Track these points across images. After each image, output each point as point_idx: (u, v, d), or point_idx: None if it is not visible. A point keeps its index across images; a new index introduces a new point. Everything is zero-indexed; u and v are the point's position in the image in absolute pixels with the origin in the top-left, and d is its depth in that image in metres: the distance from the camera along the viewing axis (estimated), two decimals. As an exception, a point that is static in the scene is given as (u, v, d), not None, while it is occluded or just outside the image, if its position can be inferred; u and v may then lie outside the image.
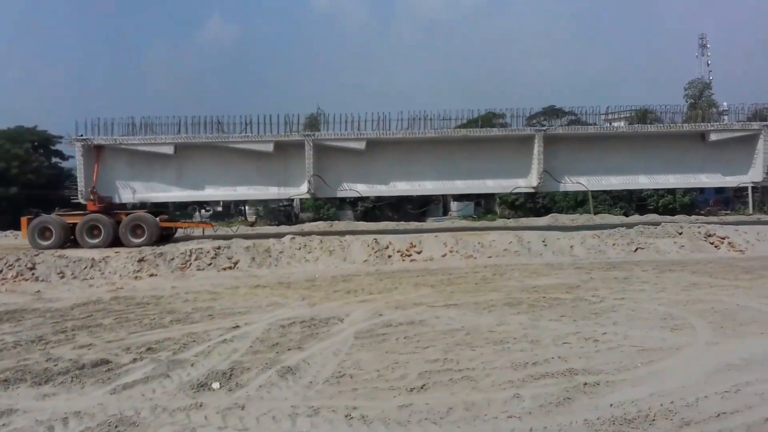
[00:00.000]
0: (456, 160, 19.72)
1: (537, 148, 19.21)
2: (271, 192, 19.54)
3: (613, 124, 22.39)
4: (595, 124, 20.82)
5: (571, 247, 16.72)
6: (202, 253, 15.37)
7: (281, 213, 44.83)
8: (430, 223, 29.32)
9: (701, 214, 35.29)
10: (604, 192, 33.05)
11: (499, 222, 27.59)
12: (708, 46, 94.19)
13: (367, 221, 33.04)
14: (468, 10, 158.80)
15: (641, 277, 12.88)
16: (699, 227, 17.50)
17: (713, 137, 19.51)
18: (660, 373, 6.64)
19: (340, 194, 20.12)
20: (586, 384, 6.28)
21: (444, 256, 16.26)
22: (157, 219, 18.54)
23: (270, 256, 15.68)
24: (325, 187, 19.37)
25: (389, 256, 16.08)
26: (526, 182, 19.73)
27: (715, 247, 16.92)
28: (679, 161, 19.97)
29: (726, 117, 23.34)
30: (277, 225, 36.41)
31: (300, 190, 19.25)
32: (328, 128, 19.59)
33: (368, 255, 15.98)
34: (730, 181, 20.25)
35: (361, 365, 7.07)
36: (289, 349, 7.77)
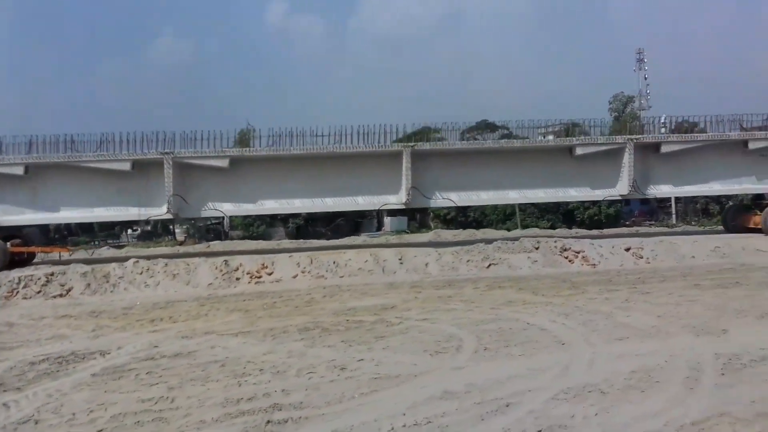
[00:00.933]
0: (326, 177, 19.46)
1: (405, 164, 19.11)
2: (131, 213, 18.90)
3: (546, 137, 22.51)
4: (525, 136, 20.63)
5: (426, 264, 16.60)
6: (32, 280, 14.67)
7: (211, 232, 43.93)
8: (363, 238, 28.81)
9: (626, 225, 35.93)
10: (532, 205, 33.27)
11: (396, 239, 27.43)
12: (645, 60, 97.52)
13: (298, 238, 32.57)
14: (422, 28, 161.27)
15: (465, 296, 12.78)
16: (555, 242, 17.61)
17: (579, 151, 19.76)
18: (367, 405, 6.40)
19: (204, 214, 19.65)
20: (269, 422, 5.99)
21: (295, 277, 15.93)
22: (7, 244, 17.72)
23: (108, 281, 15.07)
24: (187, 207, 18.85)
25: (237, 279, 15.66)
26: (397, 198, 19.60)
27: (569, 261, 17.04)
28: (548, 175, 20.16)
29: (663, 129, 23.94)
30: (208, 244, 35.49)
31: (160, 211, 18.67)
32: (199, 146, 19.07)
33: (214, 278, 15.53)
34: (599, 194, 20.55)
35: (63, 407, 6.64)
36: (5, 391, 7.29)
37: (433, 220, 47.39)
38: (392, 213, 43.10)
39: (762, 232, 19.93)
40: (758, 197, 21.78)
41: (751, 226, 20.59)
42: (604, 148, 19.88)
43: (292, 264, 16.36)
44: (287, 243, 27.84)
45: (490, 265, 16.55)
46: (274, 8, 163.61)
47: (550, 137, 22.00)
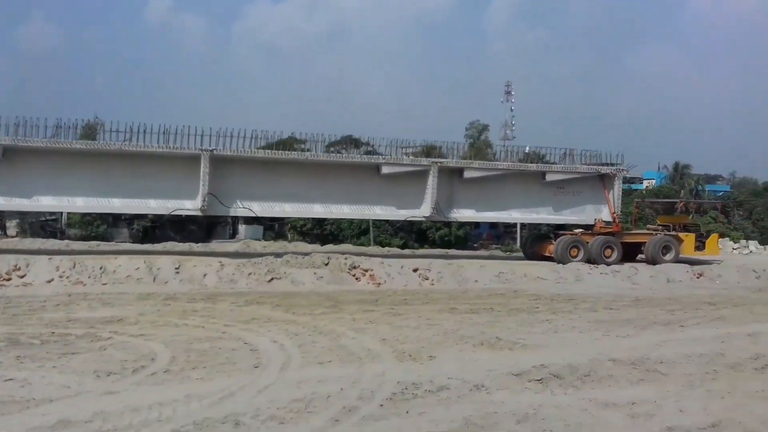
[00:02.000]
0: (114, 176, 18.10)
1: (203, 169, 18.17)
2: None
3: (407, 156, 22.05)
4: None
5: (204, 275, 15.75)
6: None
7: (46, 229, 40.21)
8: (214, 245, 26.98)
9: (474, 248, 36.70)
10: (386, 222, 33.29)
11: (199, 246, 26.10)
12: (512, 92, 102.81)
13: (144, 242, 30.30)
14: (306, 41, 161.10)
15: (215, 310, 12.10)
16: (346, 258, 17.38)
17: (385, 170, 19.76)
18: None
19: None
20: None
21: (50, 281, 14.51)
22: None
23: None
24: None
25: (-21, 282, 14.00)
26: (193, 204, 18.60)
27: (356, 279, 16.84)
28: (355, 192, 20.00)
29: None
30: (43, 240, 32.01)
31: None
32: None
33: (-50, 278, 13.79)
34: (403, 214, 20.68)
35: None
36: None
37: (289, 231, 46.72)
38: (248, 221, 41.78)
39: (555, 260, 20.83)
40: (559, 227, 22.82)
41: (547, 254, 21.48)
42: (409, 169, 20.02)
43: (50, 267, 14.91)
44: (128, 245, 25.84)
45: (272, 279, 15.98)
46: (157, 2, 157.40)
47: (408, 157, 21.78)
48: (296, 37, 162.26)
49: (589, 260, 20.48)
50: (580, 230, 21.65)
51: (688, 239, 21.87)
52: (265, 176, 19.33)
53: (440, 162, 20.23)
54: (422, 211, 20.33)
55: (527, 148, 25.51)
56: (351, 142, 52.17)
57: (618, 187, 21.79)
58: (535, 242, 22.80)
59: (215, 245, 23.60)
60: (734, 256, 29.13)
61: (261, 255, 18.70)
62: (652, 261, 20.96)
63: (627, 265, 19.85)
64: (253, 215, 19.73)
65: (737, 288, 18.65)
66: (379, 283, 16.70)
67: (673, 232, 22.05)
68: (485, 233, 44.83)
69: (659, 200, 44.20)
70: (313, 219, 36.35)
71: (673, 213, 26.36)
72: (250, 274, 16.01)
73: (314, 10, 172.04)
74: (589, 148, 22.12)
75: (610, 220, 21.58)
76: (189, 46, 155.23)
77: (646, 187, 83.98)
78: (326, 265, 17.03)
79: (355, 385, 7.54)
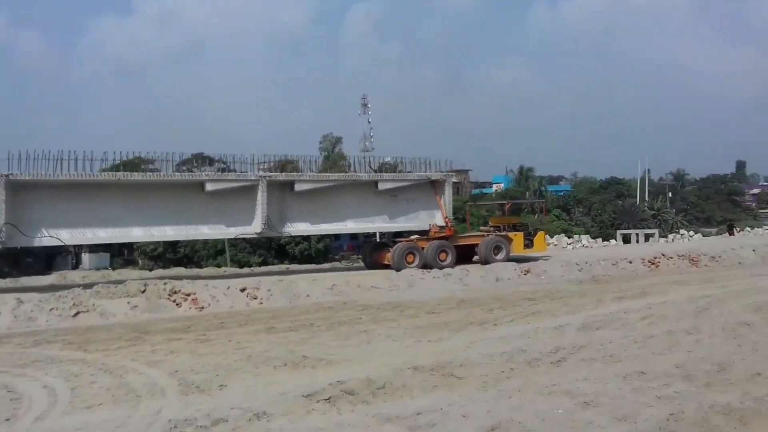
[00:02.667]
0: None
1: (-1, 196, 16.26)
2: None
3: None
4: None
5: (-2, 314, 13.98)
6: None
7: None
8: (25, 279, 23.84)
9: (336, 260, 35.96)
10: (242, 239, 31.85)
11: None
12: (369, 105, 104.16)
13: None
14: (158, 55, 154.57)
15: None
16: (165, 284, 16.20)
17: (209, 187, 18.79)
18: None
19: None
20: None
21: None
22: None
23: None
24: None
25: None
26: (-13, 237, 16.58)
27: (177, 305, 15.73)
28: (178, 212, 18.82)
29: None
30: None
31: None
32: None
33: None
34: (233, 232, 19.75)
35: None
36: None
37: (140, 257, 43.76)
38: (94, 249, 38.59)
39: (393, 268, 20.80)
40: (397, 235, 22.90)
41: (386, 262, 21.42)
42: (236, 184, 19.18)
43: None
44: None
45: (77, 313, 14.47)
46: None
47: (263, 173, 20.74)
48: (146, 52, 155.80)
49: (426, 265, 20.65)
50: (416, 236, 21.84)
51: (517, 238, 22.70)
52: (74, 201, 17.65)
53: (269, 176, 19.55)
54: (253, 228, 19.51)
55: (389, 158, 25.68)
56: (203, 160, 50.23)
57: (449, 192, 22.20)
58: (374, 251, 22.68)
59: (26, 280, 21.23)
60: (567, 251, 30.90)
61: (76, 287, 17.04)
62: (485, 261, 21.52)
63: (458, 268, 20.20)
64: (60, 243, 17.95)
65: (560, 281, 19.54)
66: (202, 307, 15.69)
67: (504, 233, 22.83)
68: (346, 245, 44.65)
69: (488, 203, 46.26)
70: (165, 242, 34.46)
71: (503, 214, 27.36)
72: (52, 309, 14.40)
73: (166, 25, 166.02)
74: (442, 155, 22.58)
75: (444, 224, 21.95)
76: (26, 63, 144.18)
77: (496, 190, 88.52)
78: (143, 292, 15.76)
79: (119, 429, 6.70)
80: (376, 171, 23.29)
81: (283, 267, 25.76)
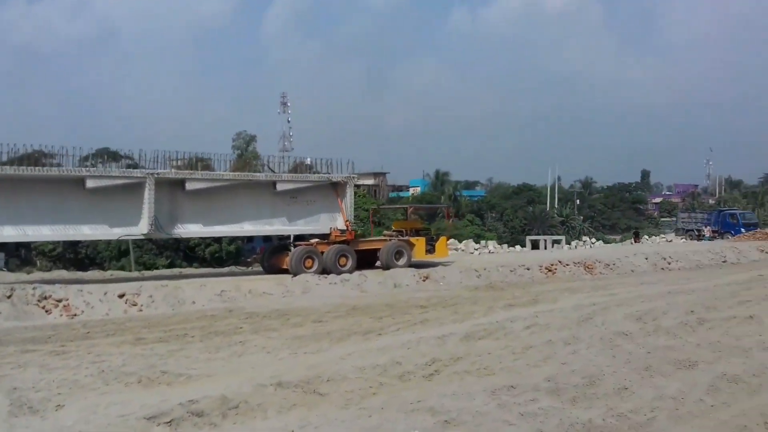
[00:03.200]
0: None
1: None
2: None
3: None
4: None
5: None
6: None
7: None
8: None
9: (248, 263, 34.65)
10: (149, 240, 30.21)
11: None
12: (288, 104, 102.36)
13: None
14: (69, 43, 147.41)
15: None
16: (35, 288, 14.99)
17: (90, 184, 17.53)
18: None
19: None
20: None
21: None
22: None
23: None
24: None
25: None
26: None
27: (47, 311, 14.56)
28: (56, 210, 17.47)
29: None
30: None
31: None
32: None
33: None
34: (117, 233, 18.52)
35: None
36: None
37: (37, 257, 41.10)
38: None
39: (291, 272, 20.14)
40: (298, 238, 22.22)
41: (285, 266, 20.74)
42: (120, 182, 18.02)
43: None
44: None
45: None
46: None
47: (169, 170, 19.41)
48: (56, 40, 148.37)
49: (325, 270, 20.13)
50: (316, 240, 21.27)
51: (419, 243, 22.54)
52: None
53: (157, 173, 18.48)
54: (140, 229, 18.38)
55: (308, 159, 24.83)
56: (109, 156, 47.86)
57: (350, 194, 21.77)
58: (273, 254, 21.96)
59: None
60: (473, 257, 31.13)
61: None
62: (387, 266, 21.22)
63: (357, 273, 19.77)
64: None
65: (457, 288, 19.46)
66: (74, 314, 14.59)
67: (406, 237, 22.62)
68: (259, 247, 43.51)
69: (392, 206, 46.34)
70: (65, 242, 32.47)
71: (407, 218, 27.26)
72: None
73: (78, 13, 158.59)
74: (362, 156, 22.14)
75: (344, 228, 21.49)
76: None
77: (412, 193, 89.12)
78: (9, 297, 14.49)
79: None
80: (294, 171, 22.53)
81: (176, 271, 24.54)
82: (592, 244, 42.43)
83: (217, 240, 35.60)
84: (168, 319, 14.08)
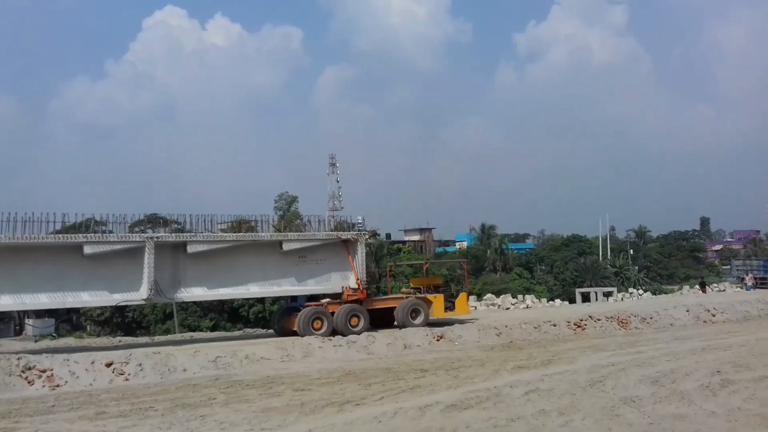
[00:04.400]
0: None
1: None
2: None
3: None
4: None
5: None
6: None
7: None
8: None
9: None
10: (194, 303, 31.03)
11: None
12: (337, 164, 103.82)
13: None
14: (131, 118, 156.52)
15: None
16: (19, 358, 14.54)
17: (88, 250, 17.26)
18: None
19: None
20: None
21: None
22: None
23: None
24: None
25: None
26: None
27: (29, 382, 14.03)
28: (54, 278, 17.19)
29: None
30: None
31: None
32: None
33: None
34: (117, 298, 18.05)
35: None
36: None
37: (86, 322, 41.72)
38: (39, 314, 36.51)
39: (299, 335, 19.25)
40: (311, 299, 21.40)
41: (294, 328, 19.89)
42: (118, 247, 17.69)
43: None
44: None
45: None
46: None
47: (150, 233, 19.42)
48: (118, 115, 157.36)
49: (336, 331, 19.20)
50: (327, 300, 20.41)
51: (437, 300, 21.36)
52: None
53: (156, 237, 18.14)
54: (140, 294, 17.92)
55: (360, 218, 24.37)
56: (157, 221, 48.59)
57: (362, 251, 20.92)
58: (284, 316, 21.12)
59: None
60: (499, 313, 29.51)
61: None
62: (403, 326, 20.15)
63: (365, 334, 18.70)
64: None
65: (473, 347, 18.17)
66: (57, 385, 14.00)
67: (423, 295, 21.50)
68: (303, 305, 42.87)
69: (407, 262, 44.84)
70: (112, 307, 32.76)
71: (425, 274, 26.14)
72: None
73: (138, 89, 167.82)
74: (410, 214, 21.44)
75: (356, 287, 20.56)
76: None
77: (459, 248, 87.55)
78: (-6, 368, 14.06)
79: None
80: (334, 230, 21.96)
81: (186, 336, 23.97)
82: (639, 295, 39.92)
83: (260, 300, 35.11)
84: (147, 390, 13.32)
